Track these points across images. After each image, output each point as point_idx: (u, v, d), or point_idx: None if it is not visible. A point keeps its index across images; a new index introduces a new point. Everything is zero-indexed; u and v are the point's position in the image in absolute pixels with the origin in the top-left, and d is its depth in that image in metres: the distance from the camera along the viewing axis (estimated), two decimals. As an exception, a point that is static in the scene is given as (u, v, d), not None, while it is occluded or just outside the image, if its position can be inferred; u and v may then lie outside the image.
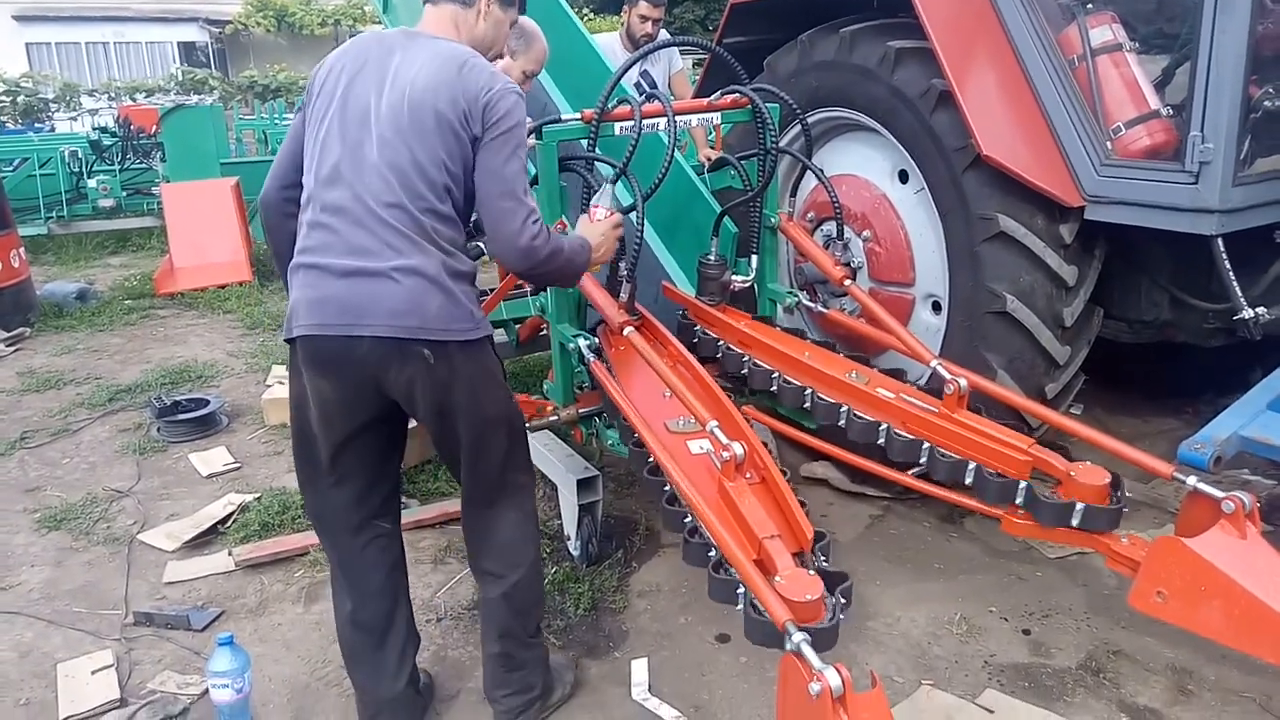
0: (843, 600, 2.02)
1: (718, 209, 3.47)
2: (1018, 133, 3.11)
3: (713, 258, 3.37)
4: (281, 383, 5.00)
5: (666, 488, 2.45)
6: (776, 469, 2.40)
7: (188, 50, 25.60)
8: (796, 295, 3.51)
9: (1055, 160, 3.07)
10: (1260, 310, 2.81)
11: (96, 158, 9.49)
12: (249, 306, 6.84)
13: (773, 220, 3.44)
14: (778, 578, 1.99)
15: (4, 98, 17.17)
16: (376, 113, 2.14)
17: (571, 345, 3.07)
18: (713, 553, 2.21)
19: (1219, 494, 2.19)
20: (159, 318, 6.74)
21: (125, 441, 4.53)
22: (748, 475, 2.34)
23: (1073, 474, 2.43)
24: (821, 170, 3.42)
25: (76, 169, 9.19)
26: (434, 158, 2.11)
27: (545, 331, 4.51)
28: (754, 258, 3.43)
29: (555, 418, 3.27)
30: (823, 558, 2.21)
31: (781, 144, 3.50)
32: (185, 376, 5.42)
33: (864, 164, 3.80)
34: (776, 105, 3.27)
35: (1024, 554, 3.30)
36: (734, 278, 3.41)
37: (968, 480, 2.61)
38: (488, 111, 2.11)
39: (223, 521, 3.67)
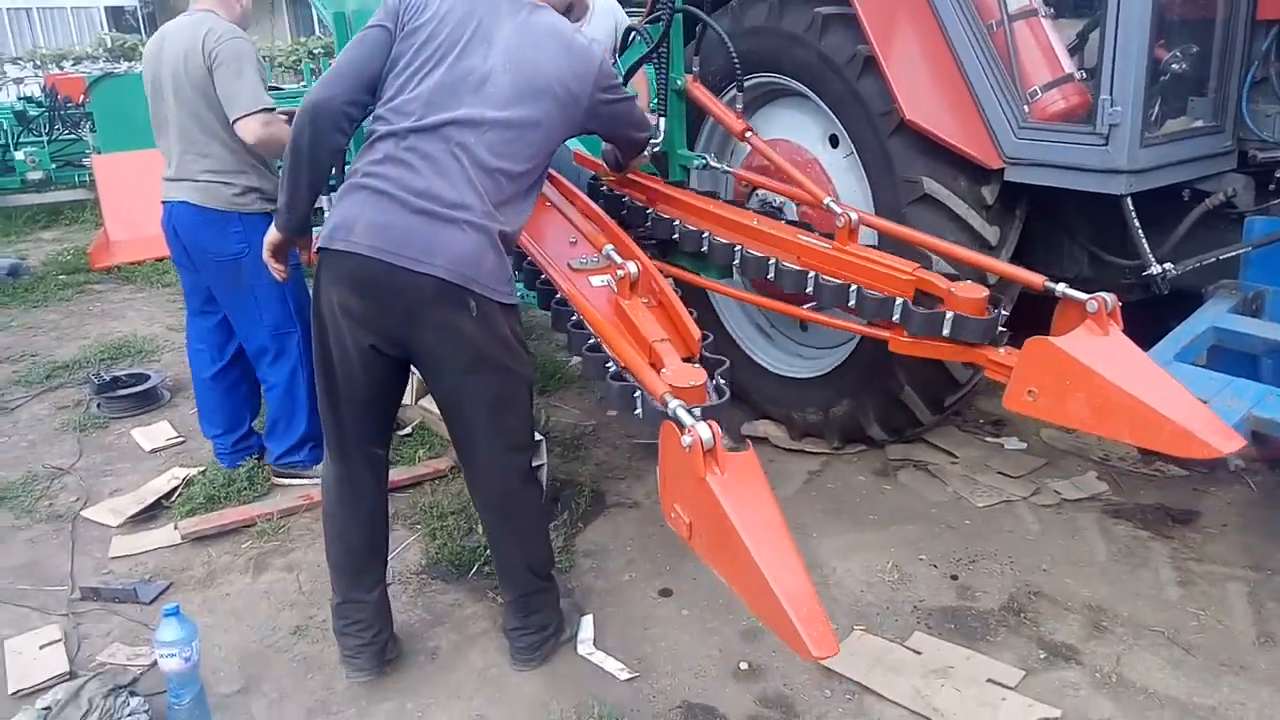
0: (722, 381, 2.29)
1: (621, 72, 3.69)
2: (940, 97, 3.19)
3: None
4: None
5: (591, 339, 2.54)
6: (670, 289, 2.64)
7: (116, 15, 24.76)
8: (704, 157, 3.63)
9: (976, 124, 3.16)
10: (1167, 266, 2.94)
11: (23, 129, 9.20)
12: (188, 280, 6.74)
13: (679, 83, 3.58)
14: (665, 370, 2.17)
15: (-79, 67, 16.46)
16: (492, 80, 2.30)
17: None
18: (610, 365, 2.40)
19: (1084, 296, 2.37)
20: (95, 292, 6.63)
21: (65, 419, 4.49)
22: (644, 300, 2.57)
23: (953, 291, 2.61)
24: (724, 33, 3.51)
25: (2, 141, 8.91)
26: (539, 119, 2.33)
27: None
28: (661, 120, 3.53)
29: None
30: (706, 351, 2.45)
31: (722, 104, 3.62)
32: (125, 352, 5.35)
33: (796, 129, 3.86)
34: None
35: (954, 504, 3.44)
36: None
37: (851, 303, 2.85)
38: (599, 85, 2.44)
39: (167, 496, 3.67)
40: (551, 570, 2.74)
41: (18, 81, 16.30)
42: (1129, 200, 2.89)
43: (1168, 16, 2.88)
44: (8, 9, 23.12)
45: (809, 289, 2.89)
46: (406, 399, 4.32)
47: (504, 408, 2.43)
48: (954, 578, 3.01)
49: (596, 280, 2.72)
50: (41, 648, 2.80)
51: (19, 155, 8.84)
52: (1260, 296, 2.92)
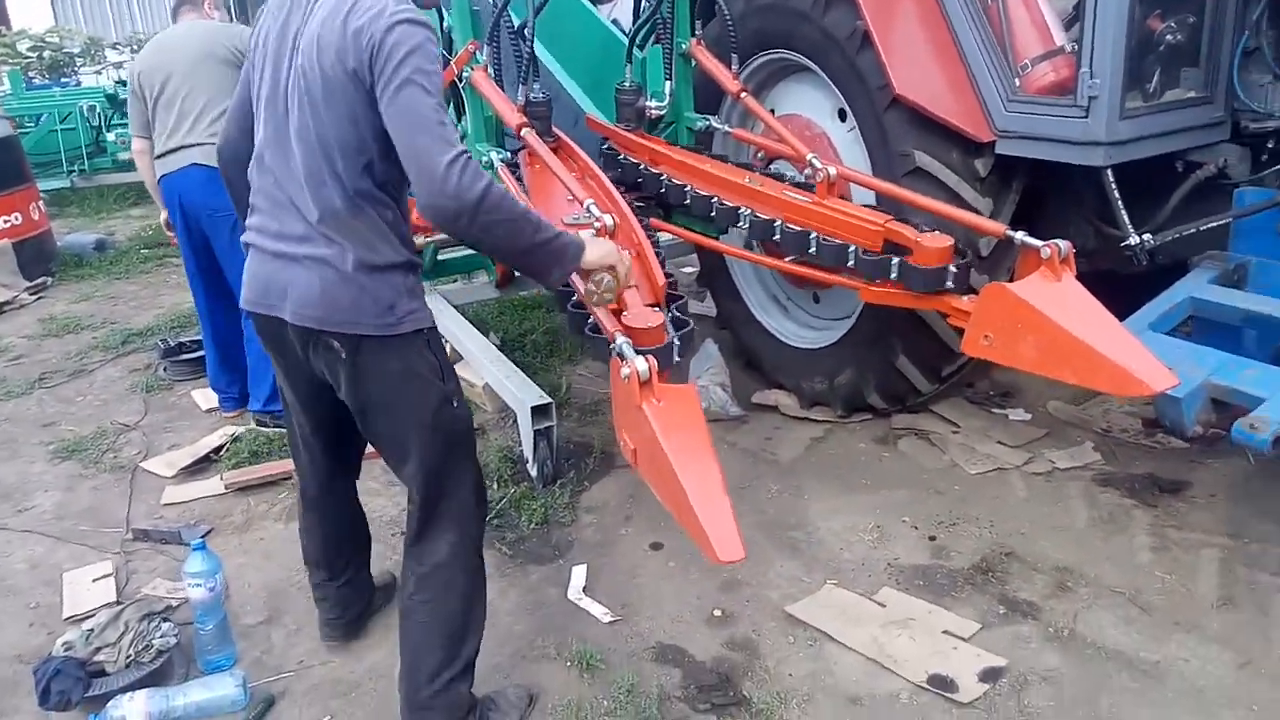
0: (681, 334, 2.40)
1: (625, 41, 3.86)
2: (934, 71, 3.26)
3: (628, 84, 3.73)
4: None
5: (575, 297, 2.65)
6: (648, 242, 2.79)
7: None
8: (707, 120, 3.82)
9: (969, 97, 3.22)
10: (1146, 236, 2.97)
11: (114, 111, 9.79)
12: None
13: (684, 46, 3.74)
14: (626, 313, 2.34)
15: (30, 54, 17.47)
16: (288, 81, 2.02)
17: (485, 159, 3.47)
18: (591, 318, 2.50)
19: (1039, 243, 2.48)
20: (173, 265, 7.07)
21: (135, 380, 4.89)
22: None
23: (920, 241, 2.78)
24: None
25: (95, 123, 9.49)
26: (341, 128, 1.96)
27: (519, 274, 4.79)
28: (668, 84, 3.73)
29: None
30: (675, 311, 2.57)
31: (740, 79, 3.80)
32: (194, 320, 5.70)
33: (807, 104, 3.96)
34: None
35: (947, 471, 3.54)
36: (649, 103, 3.74)
37: (811, 250, 3.07)
38: (376, 56, 1.88)
39: (217, 450, 4.01)
40: (457, 672, 2.24)
41: (117, 66, 17.21)
42: (1109, 172, 2.93)
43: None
44: (110, -5, 24.29)
45: (776, 236, 3.13)
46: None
47: (402, 459, 2.20)
48: (932, 538, 3.12)
49: (585, 235, 2.91)
50: (94, 580, 3.14)
51: (110, 136, 9.41)
52: (1244, 267, 2.94)
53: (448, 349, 4.55)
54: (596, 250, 2.19)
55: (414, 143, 1.86)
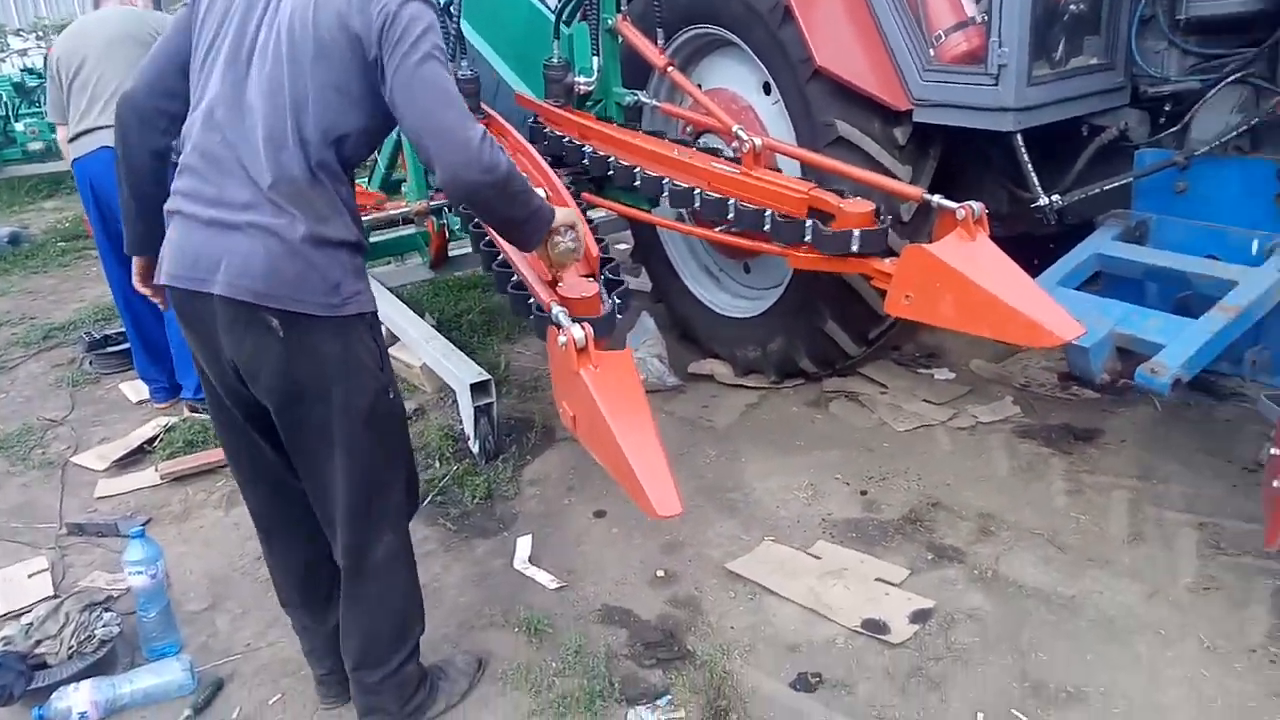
0: (618, 300, 2.45)
1: (550, 17, 3.93)
2: (854, 43, 3.36)
3: (555, 60, 3.79)
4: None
5: (512, 275, 2.67)
6: (580, 215, 2.79)
7: (116, -16, 24.80)
8: (635, 95, 3.89)
9: (887, 68, 3.32)
10: (1055, 198, 3.12)
11: (23, 100, 9.44)
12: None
13: (609, 22, 3.80)
14: (561, 284, 2.40)
15: (-74, 43, 16.66)
16: (260, 43, 1.92)
17: None
18: (515, 276, 2.58)
19: (954, 205, 2.61)
20: (92, 258, 6.88)
21: (60, 375, 4.78)
22: None
23: (842, 207, 2.90)
24: None
25: (2, 113, 9.15)
26: (323, 93, 1.89)
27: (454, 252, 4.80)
28: (595, 60, 3.80)
29: (408, 209, 3.92)
30: (608, 274, 2.59)
31: (668, 54, 3.86)
32: (117, 313, 5.62)
33: (733, 78, 4.02)
34: None
35: (876, 430, 3.67)
36: (578, 79, 3.81)
37: (730, 216, 3.18)
38: (390, 26, 1.84)
39: (150, 441, 3.96)
40: (405, 656, 2.27)
41: (22, 53, 16.51)
42: (1019, 136, 3.06)
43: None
44: (10, -20, 23.23)
45: (696, 205, 3.24)
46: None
47: (334, 453, 2.04)
48: (863, 493, 3.24)
49: None
50: (30, 576, 3.10)
51: (19, 126, 9.08)
52: (1145, 224, 3.10)
53: (385, 332, 4.58)
54: (560, 211, 2.25)
55: (442, 116, 1.84)
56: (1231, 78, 2.93)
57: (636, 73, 4.10)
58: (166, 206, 2.01)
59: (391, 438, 2.17)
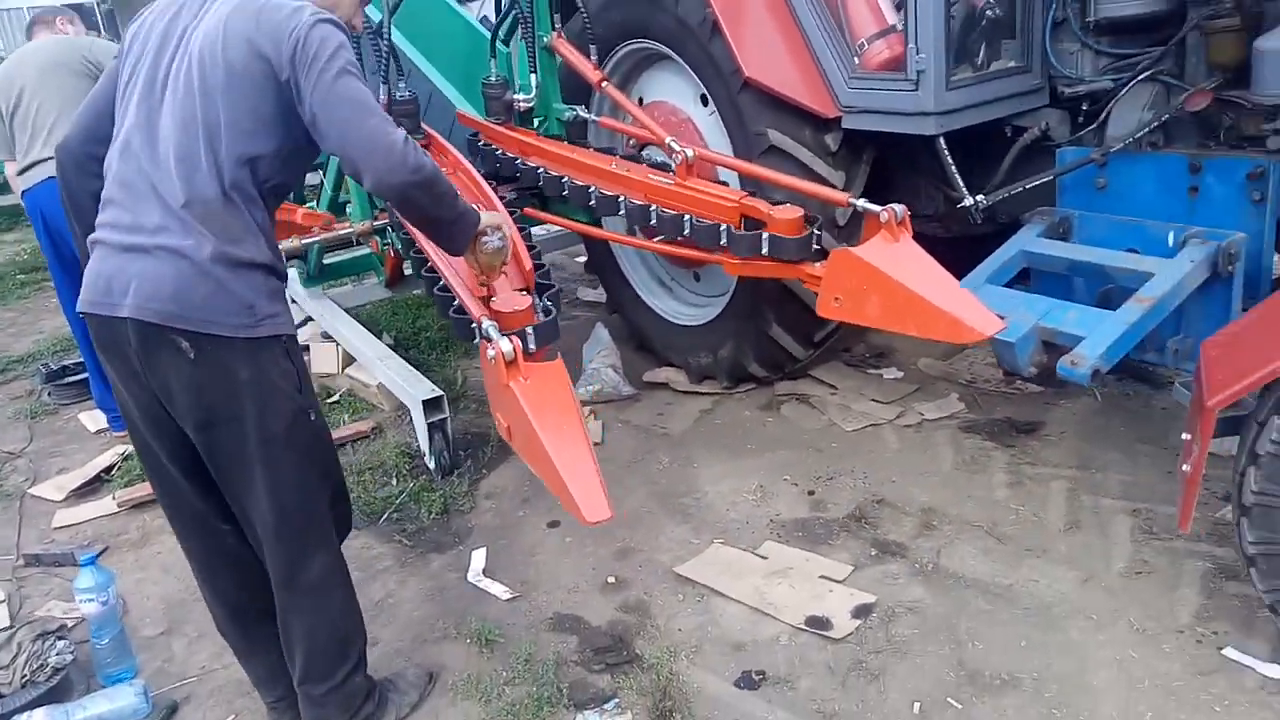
0: (550, 303, 2.52)
1: (488, 36, 4.01)
2: (782, 54, 3.44)
3: (493, 78, 3.87)
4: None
5: (454, 301, 2.67)
6: (518, 233, 2.86)
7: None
8: (574, 110, 3.96)
9: (814, 77, 3.41)
10: (980, 198, 3.21)
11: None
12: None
13: (545, 40, 3.87)
14: (494, 299, 2.47)
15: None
16: (171, 74, 1.99)
17: None
18: (456, 301, 2.61)
19: (877, 209, 2.70)
20: (51, 290, 6.84)
21: (18, 408, 4.78)
22: None
23: (773, 214, 2.98)
24: None
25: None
26: (236, 116, 1.94)
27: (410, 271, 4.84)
28: (533, 77, 3.89)
29: (352, 229, 3.96)
30: (542, 280, 2.70)
31: (607, 69, 3.98)
32: (76, 344, 5.62)
33: (672, 91, 4.11)
34: None
35: (826, 431, 3.74)
36: (517, 97, 3.89)
37: (652, 223, 3.26)
38: (302, 49, 1.90)
39: (108, 470, 3.97)
40: (349, 669, 2.29)
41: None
42: (941, 139, 3.15)
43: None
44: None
45: (621, 212, 3.34)
46: (332, 368, 4.63)
47: (255, 477, 2.04)
48: (811, 493, 3.31)
49: None
50: (-14, 608, 3.11)
51: (-28, 161, 9.03)
52: (1068, 220, 3.19)
53: (340, 352, 4.61)
54: (487, 214, 2.32)
55: (365, 124, 1.89)
56: (1142, 75, 3.03)
57: (581, 88, 4.17)
58: (89, 238, 2.05)
59: (314, 458, 2.17)
